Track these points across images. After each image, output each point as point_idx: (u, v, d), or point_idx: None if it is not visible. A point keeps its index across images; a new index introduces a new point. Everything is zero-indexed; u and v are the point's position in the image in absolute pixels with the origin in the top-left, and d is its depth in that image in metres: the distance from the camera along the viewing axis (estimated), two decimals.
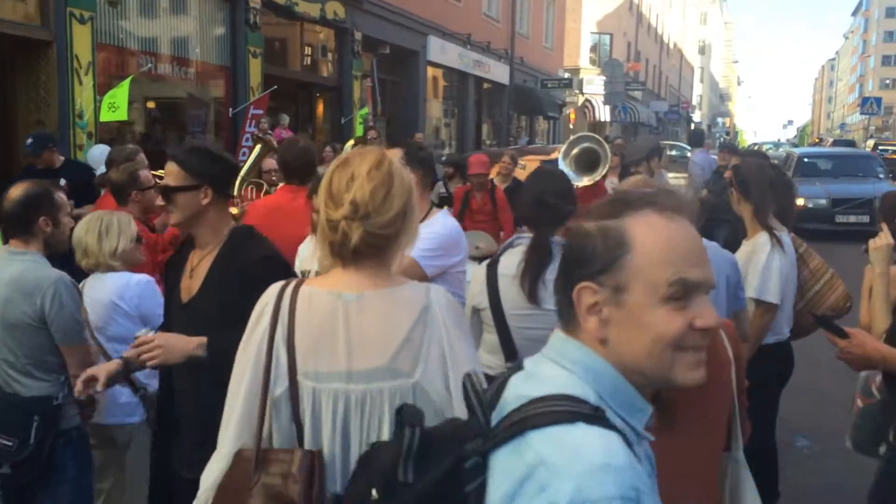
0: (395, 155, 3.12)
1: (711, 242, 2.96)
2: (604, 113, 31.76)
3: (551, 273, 2.53)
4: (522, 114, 26.21)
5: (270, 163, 6.78)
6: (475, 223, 6.50)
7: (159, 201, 4.32)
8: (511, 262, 2.59)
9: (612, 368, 1.06)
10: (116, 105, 8.50)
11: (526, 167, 9.20)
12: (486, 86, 22.84)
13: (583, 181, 6.88)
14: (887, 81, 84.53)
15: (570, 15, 32.00)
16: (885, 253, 2.65)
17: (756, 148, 41.87)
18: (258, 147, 6.08)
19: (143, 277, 3.19)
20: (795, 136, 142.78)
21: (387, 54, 15.98)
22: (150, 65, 9.34)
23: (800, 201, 12.23)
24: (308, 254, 2.87)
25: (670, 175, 10.21)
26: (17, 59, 8.33)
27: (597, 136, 7.36)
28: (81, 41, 8.46)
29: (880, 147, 27.65)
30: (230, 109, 11.38)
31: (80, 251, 3.10)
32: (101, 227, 3.11)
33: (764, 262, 3.26)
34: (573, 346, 1.10)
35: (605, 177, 8.50)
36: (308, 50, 13.83)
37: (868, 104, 29.72)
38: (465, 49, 19.74)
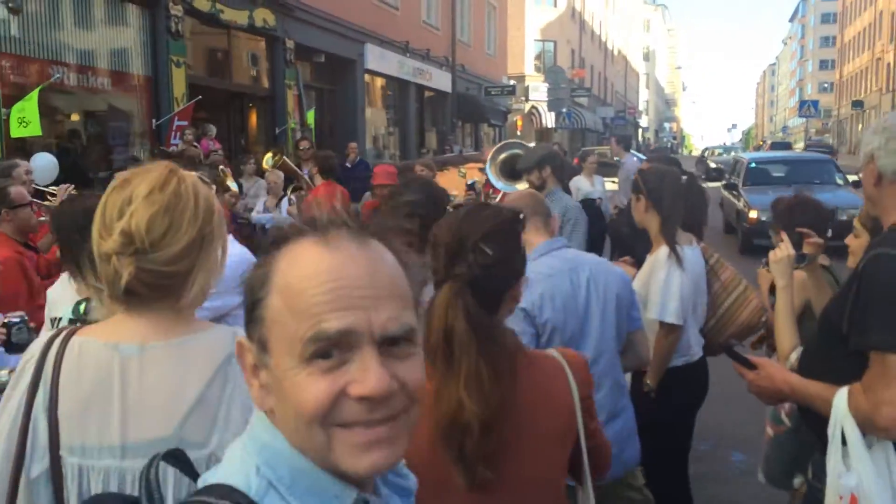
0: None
1: (598, 258, 2.76)
2: (550, 119, 31.88)
3: None
4: (466, 121, 26.09)
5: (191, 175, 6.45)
6: None
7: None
8: None
9: (288, 446, 0.82)
10: (27, 119, 8.02)
11: (466, 175, 8.99)
12: (428, 94, 22.64)
13: (515, 187, 6.67)
14: (825, 85, 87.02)
15: (512, 22, 32.08)
16: (787, 265, 2.46)
17: (707, 153, 42.53)
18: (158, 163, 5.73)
19: None
20: (741, 140, 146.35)
21: (322, 62, 15.64)
22: (58, 75, 8.83)
23: (752, 214, 11.50)
24: (57, 296, 2.35)
25: (606, 179, 10.09)
26: None
27: (523, 143, 7.19)
28: None
29: (809, 148, 28.21)
30: (153, 121, 10.91)
31: None
32: None
33: (663, 280, 3.06)
34: (258, 417, 0.87)
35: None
36: (238, 59, 13.41)
37: (805, 107, 30.44)
38: (405, 57, 19.51)
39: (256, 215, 8.24)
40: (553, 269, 2.55)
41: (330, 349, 0.78)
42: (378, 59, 17.85)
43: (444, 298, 1.45)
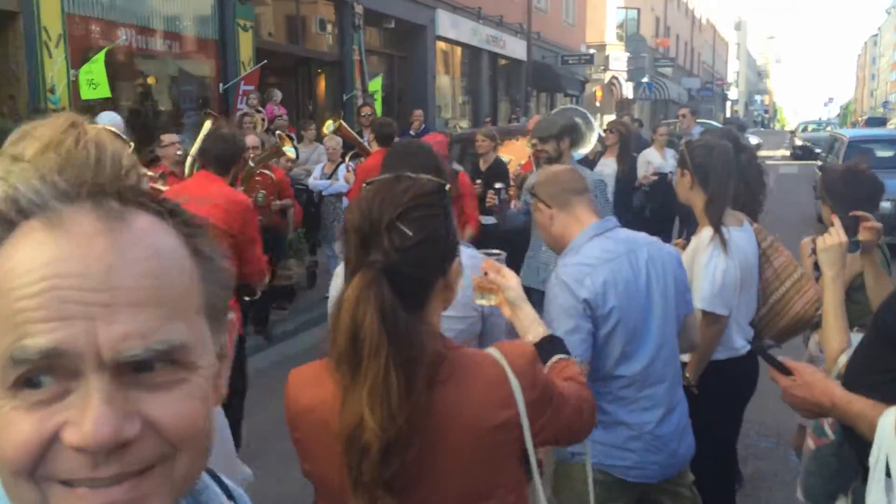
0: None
1: (651, 237, 2.49)
2: (630, 90, 30.88)
3: None
4: (542, 91, 25.49)
5: (252, 140, 6.40)
6: None
7: None
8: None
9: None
10: (95, 81, 8.16)
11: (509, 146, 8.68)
12: (501, 62, 22.17)
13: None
14: None
15: None
16: (838, 254, 2.13)
17: (798, 129, 40.01)
18: (207, 123, 5.66)
19: None
20: (838, 115, 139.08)
21: (392, 28, 15.43)
22: (124, 37, 8.92)
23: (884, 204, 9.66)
24: None
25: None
26: None
27: (584, 111, 6.82)
28: (50, 12, 8.09)
29: None
30: (220, 85, 10.97)
31: None
32: None
33: (705, 265, 2.76)
34: None
35: (593, 157, 7.97)
36: (307, 23, 13.34)
37: None
38: (478, 24, 19.09)
39: (313, 181, 8.17)
40: (611, 252, 2.31)
41: (37, 375, 0.56)
42: (450, 26, 17.52)
43: (354, 291, 1.20)
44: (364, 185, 1.33)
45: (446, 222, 1.34)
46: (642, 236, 2.46)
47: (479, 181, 6.98)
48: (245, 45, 11.14)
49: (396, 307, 1.21)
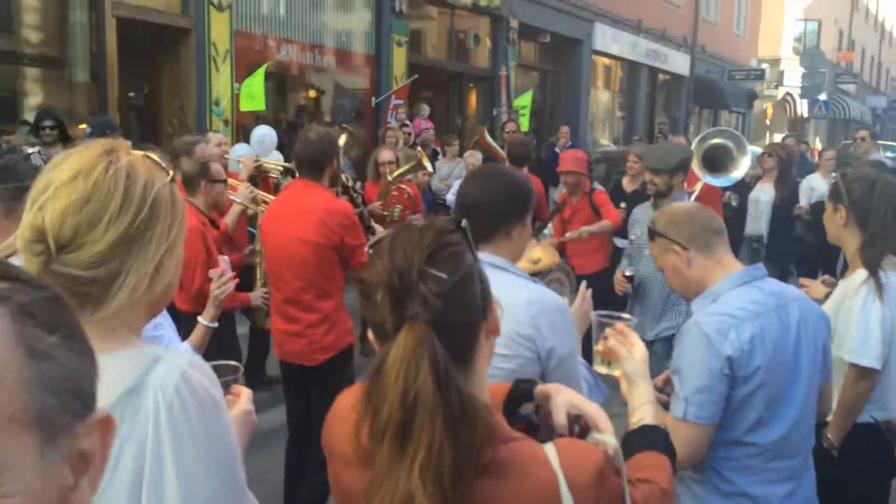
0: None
1: (801, 292, 2.19)
2: (804, 108, 28.78)
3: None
4: (704, 108, 24.31)
5: (386, 154, 6.48)
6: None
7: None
8: None
9: None
10: (254, 94, 8.61)
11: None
12: (662, 77, 21.35)
13: (722, 180, 5.89)
14: None
15: (770, 0, 29.24)
16: None
17: None
18: (342, 137, 5.75)
19: None
20: None
21: (546, 42, 15.26)
22: (285, 52, 9.36)
23: None
24: None
25: None
26: (159, 47, 8.66)
27: (735, 132, 6.29)
28: (219, 29, 8.63)
29: None
30: (372, 99, 11.27)
31: None
32: None
33: (858, 313, 2.41)
34: None
35: (748, 183, 7.36)
36: (459, 38, 13.45)
37: None
38: (638, 37, 18.48)
39: (451, 196, 8.16)
40: (760, 304, 2.04)
41: None
42: (608, 39, 17.08)
43: (402, 351, 1.02)
44: (368, 248, 1.18)
45: (473, 260, 1.18)
46: (792, 290, 2.18)
47: (623, 204, 6.64)
48: (399, 60, 11.39)
49: (449, 364, 1.04)
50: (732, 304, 2.02)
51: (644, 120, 20.41)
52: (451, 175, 9.08)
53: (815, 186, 7.94)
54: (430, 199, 7.64)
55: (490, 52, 13.95)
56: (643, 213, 4.44)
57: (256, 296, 3.95)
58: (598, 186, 7.02)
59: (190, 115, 8.62)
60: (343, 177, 3.70)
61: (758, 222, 7.02)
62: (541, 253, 5.37)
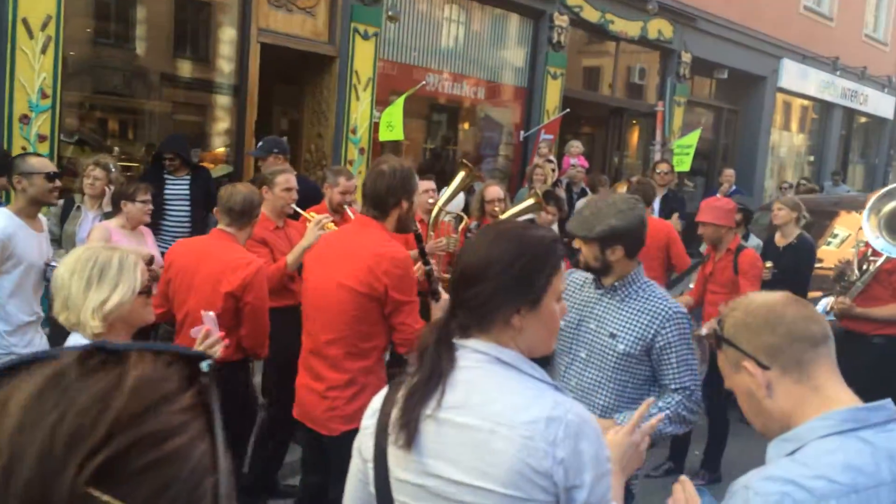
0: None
1: None
2: None
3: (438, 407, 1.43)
4: None
5: (494, 191, 5.92)
6: (712, 294, 4.85)
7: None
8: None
9: None
10: (393, 124, 8.40)
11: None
12: (861, 119, 19.13)
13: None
14: None
15: None
16: None
17: None
18: (462, 173, 5.25)
19: None
20: None
21: (724, 79, 14.03)
22: (424, 82, 9.06)
23: None
24: None
25: None
26: (305, 74, 8.68)
27: None
28: (363, 57, 8.51)
29: None
30: (521, 133, 10.76)
31: (59, 300, 2.17)
32: (92, 268, 2.16)
33: None
34: None
35: None
36: (622, 71, 12.63)
37: None
38: (834, 75, 16.63)
39: None
40: (863, 475, 1.25)
41: None
42: (796, 77, 15.47)
43: None
44: None
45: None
46: None
47: (768, 264, 5.62)
48: (552, 93, 10.81)
49: None
50: (815, 464, 1.26)
51: (836, 165, 18.34)
52: None
53: None
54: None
55: (657, 87, 13.01)
56: None
57: None
58: (749, 244, 6.03)
59: (328, 142, 8.54)
60: (415, 226, 3.02)
61: None
62: None
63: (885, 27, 18.75)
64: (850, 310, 4.86)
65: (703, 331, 3.38)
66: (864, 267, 4.96)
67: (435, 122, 10.70)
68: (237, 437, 3.43)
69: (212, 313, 2.83)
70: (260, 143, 5.92)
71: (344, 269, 2.79)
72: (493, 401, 1.37)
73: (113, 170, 5.05)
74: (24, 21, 5.91)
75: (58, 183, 3.77)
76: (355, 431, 2.86)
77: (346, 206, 4.62)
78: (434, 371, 1.41)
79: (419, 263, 3.22)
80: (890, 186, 5.12)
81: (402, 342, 2.84)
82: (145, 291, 2.21)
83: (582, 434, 1.35)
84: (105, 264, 2.14)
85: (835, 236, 7.27)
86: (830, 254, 6.53)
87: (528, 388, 1.40)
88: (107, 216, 4.87)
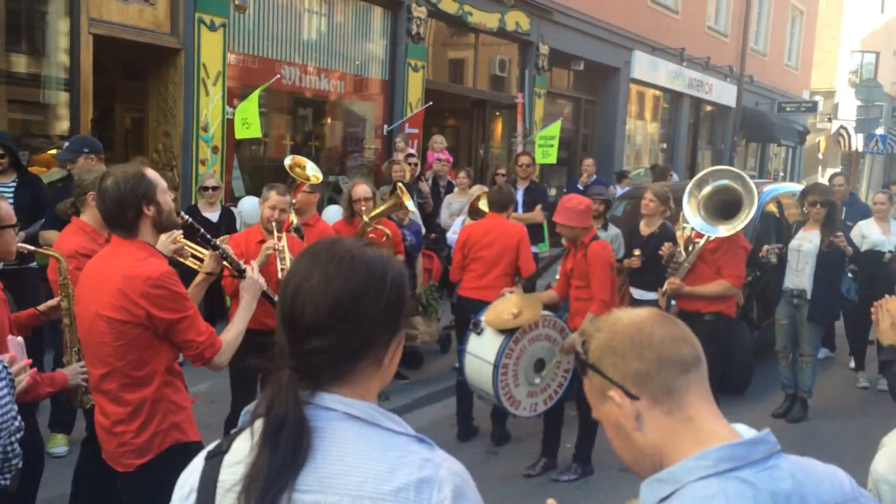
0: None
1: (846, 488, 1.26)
2: (859, 143, 27.30)
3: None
4: (751, 140, 23.09)
5: (362, 190, 5.69)
6: (576, 289, 4.87)
7: None
8: (244, 448, 1.18)
9: None
10: (249, 121, 7.96)
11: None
12: (706, 108, 20.29)
13: (718, 231, 5.14)
14: None
15: (825, 31, 27.96)
16: None
17: None
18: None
19: None
20: None
21: (580, 70, 14.42)
22: (278, 76, 8.66)
23: None
24: None
25: None
26: (148, 69, 8.08)
27: (738, 171, 5.44)
28: (211, 49, 8.01)
29: None
30: (384, 127, 10.56)
31: None
32: None
33: None
34: None
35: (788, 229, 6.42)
36: (483, 64, 12.69)
37: None
38: (681, 66, 17.50)
39: (451, 235, 7.34)
40: None
41: None
42: (647, 68, 16.15)
43: None
44: None
45: None
46: (824, 485, 1.19)
47: (636, 252, 5.75)
48: (414, 86, 10.67)
49: None
50: None
51: (686, 152, 19.36)
52: (462, 210, 8.29)
53: (867, 233, 6.89)
54: (420, 237, 6.78)
55: (517, 79, 13.17)
56: None
57: (74, 371, 3.00)
58: (608, 234, 6.13)
59: (177, 141, 7.99)
60: (182, 216, 2.85)
61: (800, 275, 6.01)
62: (520, 304, 4.53)
63: (725, 19, 19.92)
64: (680, 289, 5.25)
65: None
66: (690, 248, 5.26)
67: (298, 116, 10.29)
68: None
69: (20, 338, 2.47)
70: (66, 144, 5.34)
71: (99, 297, 2.52)
72: (349, 470, 1.13)
73: None
74: None
75: None
76: (150, 465, 2.62)
77: (272, 223, 4.26)
78: (286, 450, 1.13)
79: (209, 251, 3.07)
80: (704, 171, 5.47)
81: (193, 358, 2.65)
82: None
83: (461, 495, 1.14)
84: None
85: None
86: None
87: (389, 447, 1.16)
88: None
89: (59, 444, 4.75)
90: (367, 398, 1.21)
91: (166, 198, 2.59)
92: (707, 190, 5.10)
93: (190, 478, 1.25)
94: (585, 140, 15.70)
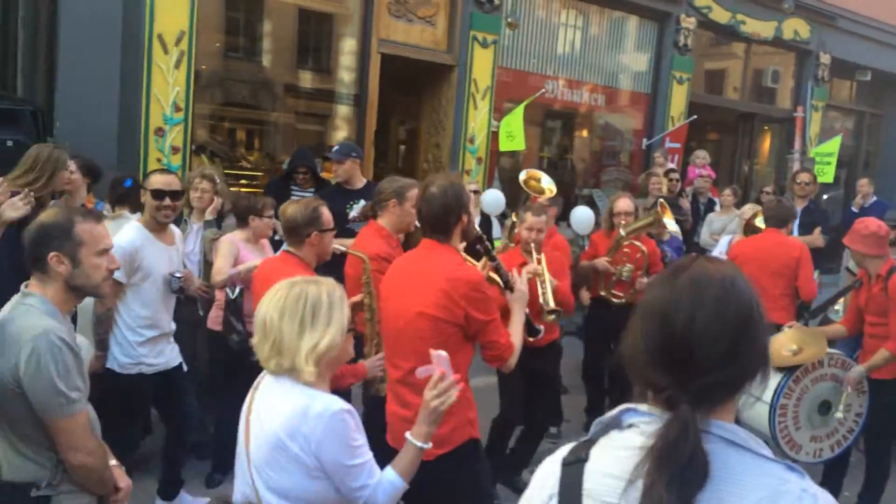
0: None
1: None
2: None
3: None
4: None
5: (625, 204, 5.62)
6: (871, 326, 4.36)
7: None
8: (612, 461, 1.20)
9: None
10: (513, 134, 8.23)
11: None
12: None
13: None
14: None
15: None
16: None
17: None
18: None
19: (332, 405, 1.95)
20: None
21: (866, 81, 13.00)
22: (544, 90, 8.81)
23: None
24: None
25: None
26: (423, 84, 8.64)
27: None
28: (482, 65, 8.38)
29: None
30: (643, 140, 10.33)
31: (269, 345, 1.98)
32: (304, 307, 1.97)
33: None
34: None
35: None
36: (754, 75, 11.90)
37: None
38: None
39: (715, 252, 6.95)
40: None
41: None
42: None
43: None
44: None
45: None
46: None
47: None
48: (678, 99, 10.32)
49: None
50: None
51: None
52: (724, 229, 7.86)
53: None
54: (681, 255, 6.50)
55: (792, 90, 12.20)
56: None
57: (373, 363, 3.29)
58: None
59: (445, 151, 8.46)
60: (476, 230, 3.09)
61: None
62: (800, 339, 4.14)
63: None
64: None
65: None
66: None
67: (551, 129, 10.43)
68: None
69: (444, 353, 2.27)
70: (336, 147, 5.70)
71: (420, 296, 2.72)
72: (740, 500, 1.11)
73: (218, 181, 5.06)
74: (160, 37, 6.14)
75: (167, 201, 3.65)
76: (447, 456, 2.75)
77: (531, 244, 4.36)
78: (691, 486, 1.11)
79: (484, 260, 3.21)
80: None
81: (491, 359, 2.87)
82: (352, 328, 2.09)
83: None
84: (316, 303, 1.98)
85: None
86: None
87: (765, 473, 1.14)
88: (208, 225, 4.84)
89: None
90: (732, 421, 1.19)
91: (472, 209, 2.78)
92: None
93: (547, 481, 1.29)
94: (868, 158, 14.13)
